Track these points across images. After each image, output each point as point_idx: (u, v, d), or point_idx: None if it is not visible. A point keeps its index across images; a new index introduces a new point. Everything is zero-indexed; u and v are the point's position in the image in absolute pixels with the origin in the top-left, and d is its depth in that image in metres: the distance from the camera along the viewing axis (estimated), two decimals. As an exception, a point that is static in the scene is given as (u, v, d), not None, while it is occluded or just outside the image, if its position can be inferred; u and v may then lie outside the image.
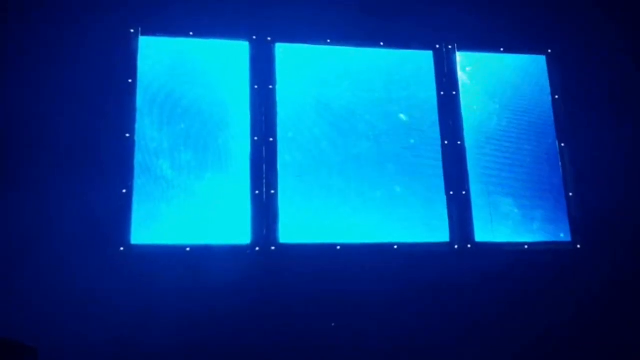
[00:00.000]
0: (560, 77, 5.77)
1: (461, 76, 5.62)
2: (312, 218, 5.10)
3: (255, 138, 5.14)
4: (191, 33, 5.30)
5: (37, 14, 5.04)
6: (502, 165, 5.53)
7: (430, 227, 5.23)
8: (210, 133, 5.17)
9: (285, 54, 5.41)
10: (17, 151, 4.76)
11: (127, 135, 4.95)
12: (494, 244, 5.25)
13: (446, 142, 5.42)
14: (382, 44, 5.56)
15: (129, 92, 5.04)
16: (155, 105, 5.13)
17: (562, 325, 5.05)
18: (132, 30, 5.18)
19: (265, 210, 4.99)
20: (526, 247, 5.29)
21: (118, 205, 4.79)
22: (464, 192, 5.30)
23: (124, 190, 4.83)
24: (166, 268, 4.72)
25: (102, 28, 5.12)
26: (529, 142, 5.62)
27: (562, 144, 5.60)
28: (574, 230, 5.41)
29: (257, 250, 4.90)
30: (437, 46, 5.63)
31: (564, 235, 5.42)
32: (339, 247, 5.02)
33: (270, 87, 5.27)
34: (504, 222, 5.38)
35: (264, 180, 5.05)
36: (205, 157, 5.12)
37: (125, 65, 5.10)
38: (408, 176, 5.33)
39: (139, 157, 4.96)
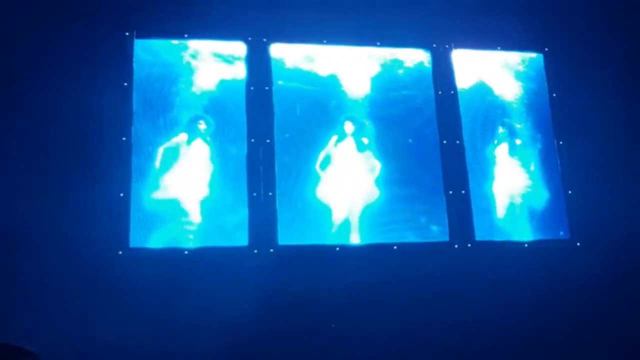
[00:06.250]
0: (558, 75, 5.75)
1: (459, 75, 5.60)
2: (311, 219, 5.07)
3: (252, 140, 5.12)
4: (186, 35, 5.28)
5: (32, 18, 5.01)
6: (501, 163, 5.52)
7: (430, 227, 5.21)
8: (206, 135, 5.15)
9: (281, 54, 5.38)
10: (14, 156, 4.73)
11: (124, 138, 4.92)
12: (494, 243, 5.24)
13: (445, 142, 5.39)
14: (378, 43, 5.55)
15: (125, 95, 5.02)
16: (151, 108, 5.10)
17: (562, 323, 5.04)
18: (127, 34, 5.15)
19: (263, 212, 4.97)
20: (526, 245, 5.27)
21: (116, 209, 4.77)
22: (463, 192, 5.28)
23: (122, 194, 4.81)
24: (165, 271, 4.71)
25: (97, 32, 5.10)
26: (527, 140, 5.61)
27: (561, 142, 5.58)
28: (573, 228, 5.39)
29: (256, 253, 4.87)
30: (434, 45, 5.61)
31: (563, 233, 5.40)
32: (338, 249, 5.00)
33: (267, 88, 5.24)
34: (504, 220, 5.36)
35: (262, 182, 5.03)
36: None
37: (121, 68, 5.08)
38: (407, 176, 5.31)
39: (135, 161, 4.93)
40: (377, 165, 5.30)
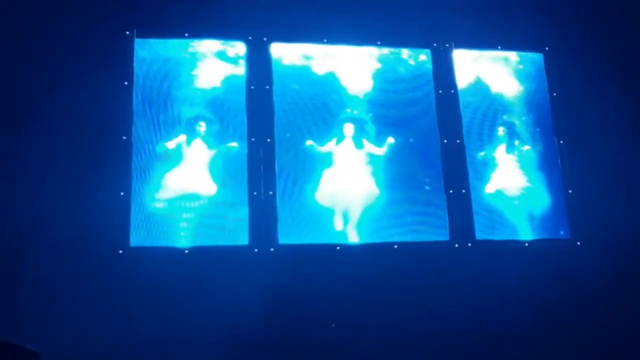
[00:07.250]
0: (558, 74, 5.75)
1: (459, 74, 5.60)
2: (311, 218, 5.07)
3: (253, 139, 5.11)
4: (186, 34, 5.28)
5: (32, 18, 5.00)
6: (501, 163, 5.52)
7: (430, 226, 5.21)
8: (207, 134, 5.14)
9: (282, 54, 5.38)
10: (15, 155, 4.73)
11: (124, 137, 4.92)
12: (494, 242, 5.25)
13: (445, 141, 5.39)
14: (379, 42, 5.55)
15: (125, 94, 5.02)
16: (151, 107, 5.10)
17: (563, 322, 5.03)
18: (127, 33, 5.15)
19: (263, 211, 4.96)
20: (526, 244, 5.27)
21: (116, 208, 4.77)
22: (463, 191, 5.28)
23: (122, 193, 4.80)
24: (165, 270, 4.70)
25: (97, 31, 5.09)
26: (527, 139, 5.61)
27: (561, 141, 5.58)
28: (573, 227, 5.39)
29: (256, 252, 4.87)
30: (435, 44, 5.61)
31: (563, 233, 5.40)
32: (338, 248, 5.00)
33: (267, 87, 5.24)
34: (504, 219, 5.36)
35: (262, 181, 5.02)
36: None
37: (121, 67, 5.07)
38: (407, 175, 5.31)
39: (136, 160, 4.93)
40: (390, 139, 5.33)
